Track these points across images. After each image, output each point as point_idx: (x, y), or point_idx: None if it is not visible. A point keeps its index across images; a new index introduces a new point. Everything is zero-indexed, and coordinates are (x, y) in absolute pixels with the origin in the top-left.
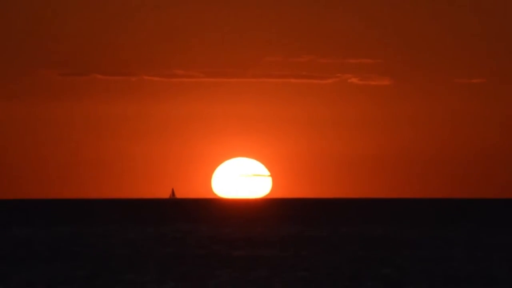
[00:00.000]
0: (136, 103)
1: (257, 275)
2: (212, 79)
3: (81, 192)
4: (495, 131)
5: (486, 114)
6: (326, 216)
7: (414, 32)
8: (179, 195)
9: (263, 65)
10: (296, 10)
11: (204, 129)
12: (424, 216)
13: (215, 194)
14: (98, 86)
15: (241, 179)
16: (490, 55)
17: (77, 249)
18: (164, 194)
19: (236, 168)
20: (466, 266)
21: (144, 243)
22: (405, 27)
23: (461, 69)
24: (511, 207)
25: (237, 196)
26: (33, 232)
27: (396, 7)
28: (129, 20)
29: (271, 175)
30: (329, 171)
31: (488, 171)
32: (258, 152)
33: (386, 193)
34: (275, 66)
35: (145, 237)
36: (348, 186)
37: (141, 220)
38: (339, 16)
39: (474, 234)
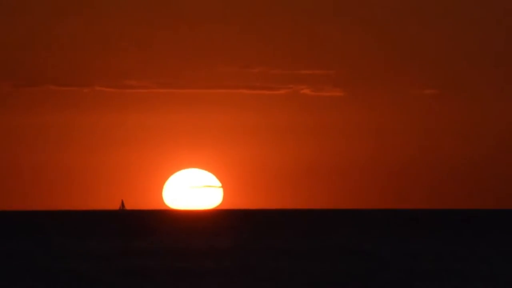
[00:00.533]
0: (88, 114)
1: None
2: (165, 90)
3: (27, 204)
4: (449, 141)
5: (439, 125)
6: (269, 227)
7: (367, 42)
8: (128, 206)
9: (215, 76)
10: (248, 21)
11: (156, 140)
12: (365, 227)
13: (166, 206)
14: (51, 97)
15: (192, 190)
16: (443, 66)
17: (17, 263)
18: (114, 206)
19: (187, 179)
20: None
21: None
22: (358, 37)
23: (415, 80)
24: (454, 218)
25: (188, 207)
26: None
27: (349, 17)
28: (82, 29)
29: (223, 186)
30: (280, 181)
31: (440, 181)
32: (209, 163)
33: (336, 204)
34: (228, 76)
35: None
36: (299, 196)
37: (89, 232)
38: (291, 27)
39: (430, 245)
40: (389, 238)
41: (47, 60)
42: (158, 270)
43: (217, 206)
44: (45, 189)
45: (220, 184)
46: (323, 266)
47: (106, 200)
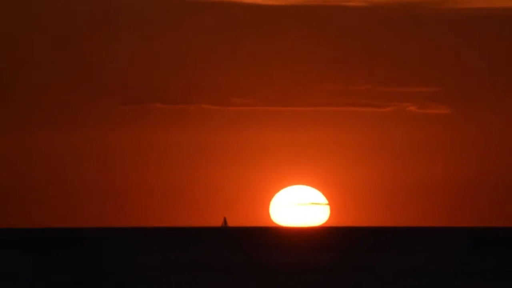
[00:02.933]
0: (194, 132)
1: None
2: (270, 107)
3: (136, 220)
4: None
5: None
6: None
7: (472, 59)
8: (233, 223)
9: (321, 93)
10: (354, 37)
11: (262, 157)
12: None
13: (274, 223)
14: (157, 115)
15: (299, 207)
16: None
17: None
18: (217, 222)
19: (294, 196)
20: None
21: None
22: (463, 54)
23: None
24: None
25: (295, 224)
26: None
27: (454, 33)
28: (187, 46)
29: (329, 204)
30: (388, 199)
31: None
32: (316, 181)
33: (449, 222)
34: (334, 94)
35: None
36: (407, 214)
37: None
38: (396, 44)
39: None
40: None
41: (153, 77)
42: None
43: (324, 223)
44: (153, 207)
45: (326, 201)
46: (427, 283)
47: (211, 217)
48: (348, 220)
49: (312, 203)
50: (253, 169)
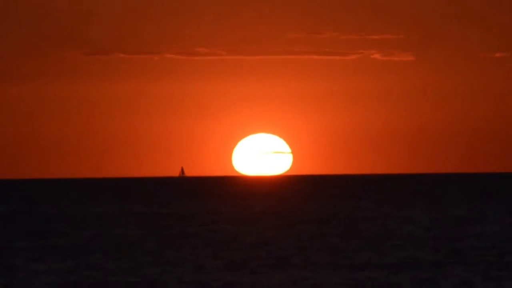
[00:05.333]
0: (158, 81)
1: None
2: (234, 56)
3: (97, 170)
4: None
5: (508, 88)
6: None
7: (436, 6)
8: (199, 172)
9: (285, 42)
10: None
11: (225, 106)
12: (442, 192)
13: (237, 171)
14: (121, 65)
15: (262, 155)
16: None
17: (70, 227)
18: (182, 171)
19: (257, 144)
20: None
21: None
22: (427, 1)
23: (485, 43)
24: None
25: (258, 173)
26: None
27: None
28: None
29: (292, 152)
30: (351, 147)
31: (511, 144)
32: (279, 129)
33: (410, 169)
34: (298, 42)
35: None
36: (367, 161)
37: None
38: None
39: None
40: (466, 200)
41: (117, 28)
42: (228, 233)
43: (286, 172)
44: (115, 155)
45: (289, 150)
46: (386, 231)
47: (174, 166)
48: (311, 169)
49: (275, 152)
50: (217, 118)
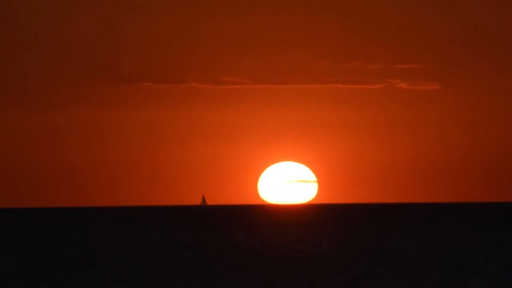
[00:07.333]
0: (183, 110)
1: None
2: (260, 85)
3: (117, 199)
4: None
5: None
6: (367, 223)
7: (462, 35)
8: (223, 201)
9: (310, 71)
10: (344, 15)
11: (251, 135)
12: (481, 222)
13: (263, 200)
14: (147, 94)
15: (287, 184)
16: None
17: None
18: (209, 201)
19: (282, 173)
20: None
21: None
22: (453, 30)
23: (509, 72)
24: None
25: (283, 202)
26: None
27: (444, 8)
28: (177, 27)
29: (318, 181)
30: (376, 177)
31: None
32: (304, 157)
33: (435, 198)
34: (323, 71)
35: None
36: (396, 192)
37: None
38: (386, 21)
39: None
40: (490, 233)
41: (142, 57)
42: (250, 262)
43: (311, 201)
44: (139, 184)
45: (315, 179)
46: (421, 265)
47: (197, 195)
48: (336, 198)
49: (300, 181)
50: (242, 146)
